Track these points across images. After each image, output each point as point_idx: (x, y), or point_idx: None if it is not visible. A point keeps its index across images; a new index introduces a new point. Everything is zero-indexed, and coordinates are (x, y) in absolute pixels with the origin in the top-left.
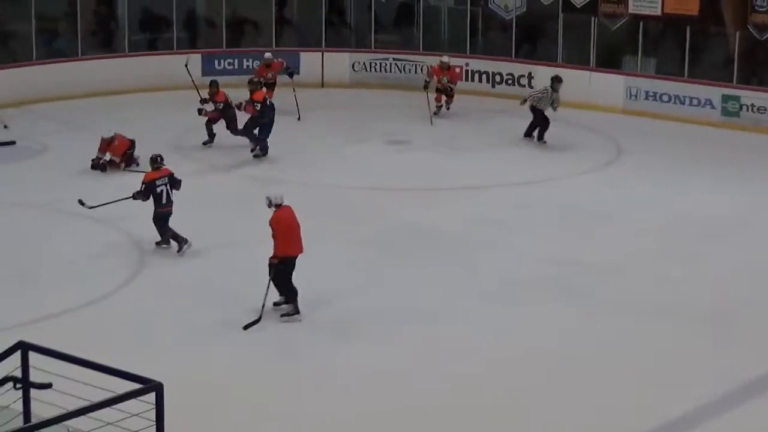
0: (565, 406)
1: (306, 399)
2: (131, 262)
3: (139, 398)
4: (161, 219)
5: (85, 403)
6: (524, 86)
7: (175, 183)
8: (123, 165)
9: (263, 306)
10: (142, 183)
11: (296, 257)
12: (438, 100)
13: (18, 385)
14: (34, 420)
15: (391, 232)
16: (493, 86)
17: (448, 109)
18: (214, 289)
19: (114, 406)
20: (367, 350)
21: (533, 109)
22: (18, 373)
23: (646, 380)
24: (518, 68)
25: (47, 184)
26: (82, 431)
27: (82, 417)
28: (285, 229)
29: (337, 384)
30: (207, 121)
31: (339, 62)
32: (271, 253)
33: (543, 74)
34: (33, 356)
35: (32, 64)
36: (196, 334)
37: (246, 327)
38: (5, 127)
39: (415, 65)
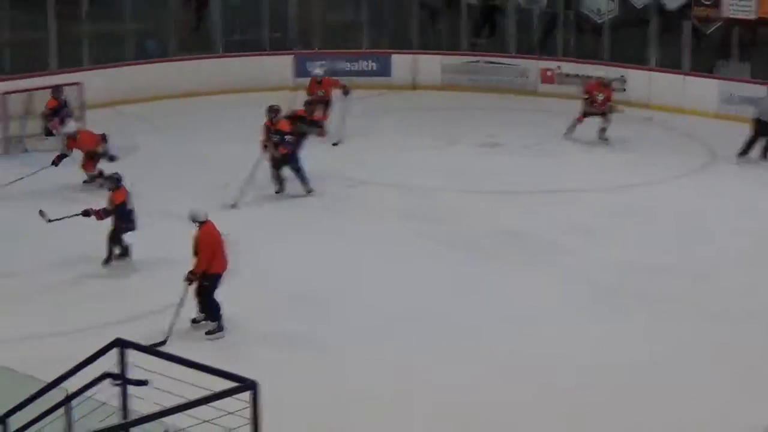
0: (652, 413)
1: (398, 400)
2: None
3: (235, 396)
4: (121, 234)
5: (182, 401)
6: (617, 90)
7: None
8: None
9: (171, 325)
10: (112, 203)
11: (222, 274)
12: (580, 119)
13: (116, 382)
14: (132, 416)
15: (481, 234)
16: None
17: (604, 138)
18: (308, 290)
19: (210, 404)
20: (456, 353)
21: (758, 123)
22: (116, 370)
23: (738, 388)
24: (610, 71)
25: (137, 184)
26: (179, 427)
27: (178, 414)
28: (212, 245)
29: (429, 386)
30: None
31: (430, 64)
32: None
33: (635, 78)
34: (130, 353)
35: (126, 64)
36: (291, 333)
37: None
38: None
39: (507, 68)
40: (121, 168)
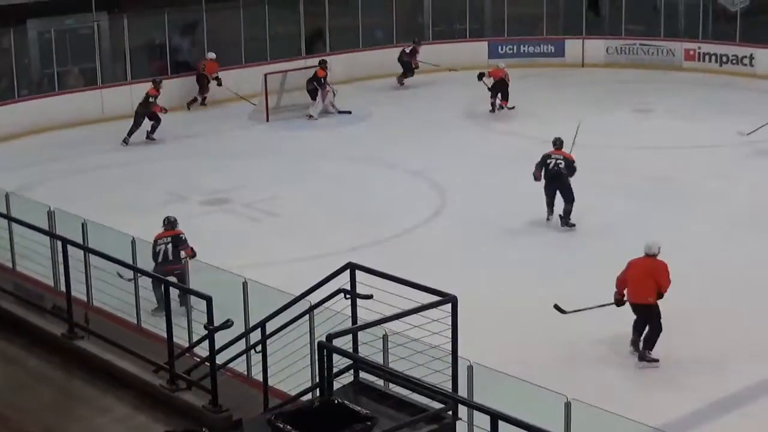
0: None
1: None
2: (433, 203)
3: (439, 308)
4: None
5: (398, 311)
6: (746, 65)
7: None
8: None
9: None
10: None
11: (633, 303)
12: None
13: (347, 296)
14: (359, 323)
15: (639, 181)
16: (720, 65)
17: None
18: (498, 222)
19: (419, 313)
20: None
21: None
22: (348, 287)
23: None
24: (741, 50)
25: (370, 141)
26: (395, 331)
27: (395, 321)
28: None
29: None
30: None
31: (596, 47)
32: None
33: (762, 55)
34: (359, 274)
35: (357, 50)
36: (489, 261)
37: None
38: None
39: (657, 49)
40: (362, 129)
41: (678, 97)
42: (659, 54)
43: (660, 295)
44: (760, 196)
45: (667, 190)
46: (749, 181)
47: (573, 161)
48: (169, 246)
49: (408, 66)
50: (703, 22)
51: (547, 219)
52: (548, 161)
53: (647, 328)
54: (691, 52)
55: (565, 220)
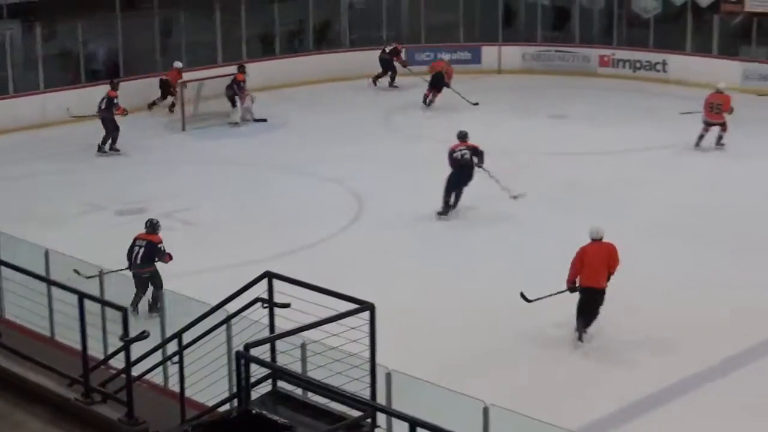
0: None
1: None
2: (351, 210)
3: (357, 315)
4: None
5: (316, 319)
6: (659, 71)
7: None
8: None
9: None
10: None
11: (588, 288)
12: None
13: (265, 305)
14: (277, 332)
15: (549, 185)
16: (634, 71)
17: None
18: (416, 228)
19: (337, 322)
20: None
21: None
22: (265, 296)
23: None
24: (654, 56)
25: (288, 149)
26: (313, 340)
27: (313, 330)
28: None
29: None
30: None
31: (512, 54)
32: None
33: (674, 61)
34: (276, 283)
35: (277, 58)
36: (406, 266)
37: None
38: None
39: (572, 55)
40: (279, 136)
41: (592, 103)
42: (574, 60)
43: (609, 277)
44: (673, 199)
45: (580, 194)
46: (662, 186)
47: (477, 147)
48: (142, 250)
49: (390, 65)
50: (617, 28)
51: (444, 214)
52: (454, 154)
53: (587, 314)
54: (606, 59)
55: (456, 203)
